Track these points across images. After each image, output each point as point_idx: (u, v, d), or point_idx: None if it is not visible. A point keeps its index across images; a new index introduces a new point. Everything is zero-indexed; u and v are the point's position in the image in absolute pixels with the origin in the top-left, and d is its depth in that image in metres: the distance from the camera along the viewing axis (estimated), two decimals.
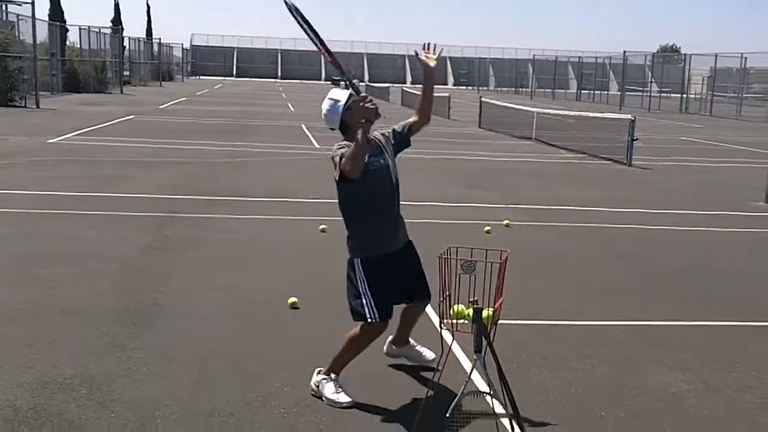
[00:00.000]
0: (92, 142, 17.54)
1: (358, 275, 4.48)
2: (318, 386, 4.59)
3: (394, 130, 4.70)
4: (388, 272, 4.50)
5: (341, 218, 4.62)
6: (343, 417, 4.35)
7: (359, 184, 4.35)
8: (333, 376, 4.59)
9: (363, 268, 4.47)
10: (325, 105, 4.54)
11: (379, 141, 4.58)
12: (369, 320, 4.45)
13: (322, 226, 8.91)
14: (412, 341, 5.01)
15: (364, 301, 4.45)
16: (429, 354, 4.95)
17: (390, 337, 5.00)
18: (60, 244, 8.11)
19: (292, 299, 6.29)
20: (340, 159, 4.29)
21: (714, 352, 5.62)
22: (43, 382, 4.63)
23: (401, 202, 4.67)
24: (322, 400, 4.53)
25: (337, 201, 4.59)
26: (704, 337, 5.98)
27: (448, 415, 3.74)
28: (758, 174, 16.90)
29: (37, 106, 27.81)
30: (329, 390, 4.53)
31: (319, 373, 4.64)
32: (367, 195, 4.45)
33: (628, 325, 6.19)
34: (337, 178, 4.40)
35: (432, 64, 4.60)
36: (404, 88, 46.34)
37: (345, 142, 4.44)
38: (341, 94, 4.52)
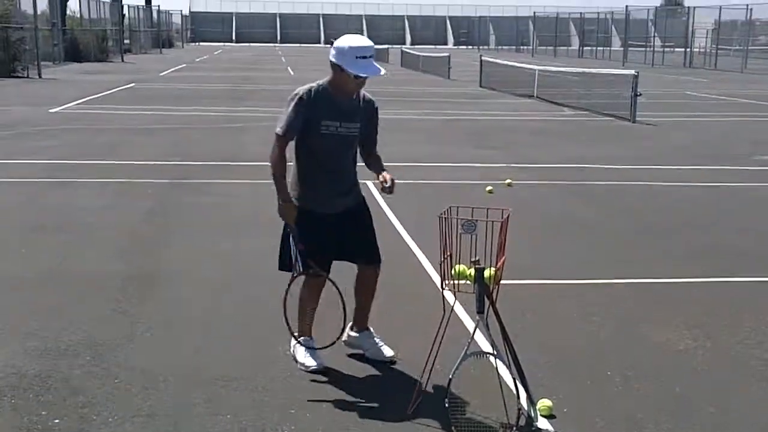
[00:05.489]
0: (94, 111, 17.46)
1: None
2: (294, 351, 4.56)
3: (371, 113, 4.41)
4: (321, 228, 4.31)
5: None
6: (350, 381, 4.33)
7: (308, 141, 4.27)
8: (303, 339, 4.49)
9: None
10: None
11: (358, 104, 4.35)
12: (293, 273, 4.36)
13: None
14: (371, 330, 4.65)
15: (292, 251, 4.34)
16: (387, 351, 4.56)
17: (349, 324, 4.65)
18: (63, 212, 8.09)
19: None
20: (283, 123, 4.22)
21: (721, 309, 5.57)
22: (47, 348, 4.64)
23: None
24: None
25: None
26: (710, 294, 5.93)
27: (451, 376, 3.72)
28: (764, 128, 16.80)
29: (40, 76, 27.68)
30: (300, 354, 4.50)
31: (293, 338, 4.54)
32: (313, 153, 4.30)
33: (633, 282, 6.15)
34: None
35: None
36: (404, 49, 45.99)
37: (306, 88, 4.27)
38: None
